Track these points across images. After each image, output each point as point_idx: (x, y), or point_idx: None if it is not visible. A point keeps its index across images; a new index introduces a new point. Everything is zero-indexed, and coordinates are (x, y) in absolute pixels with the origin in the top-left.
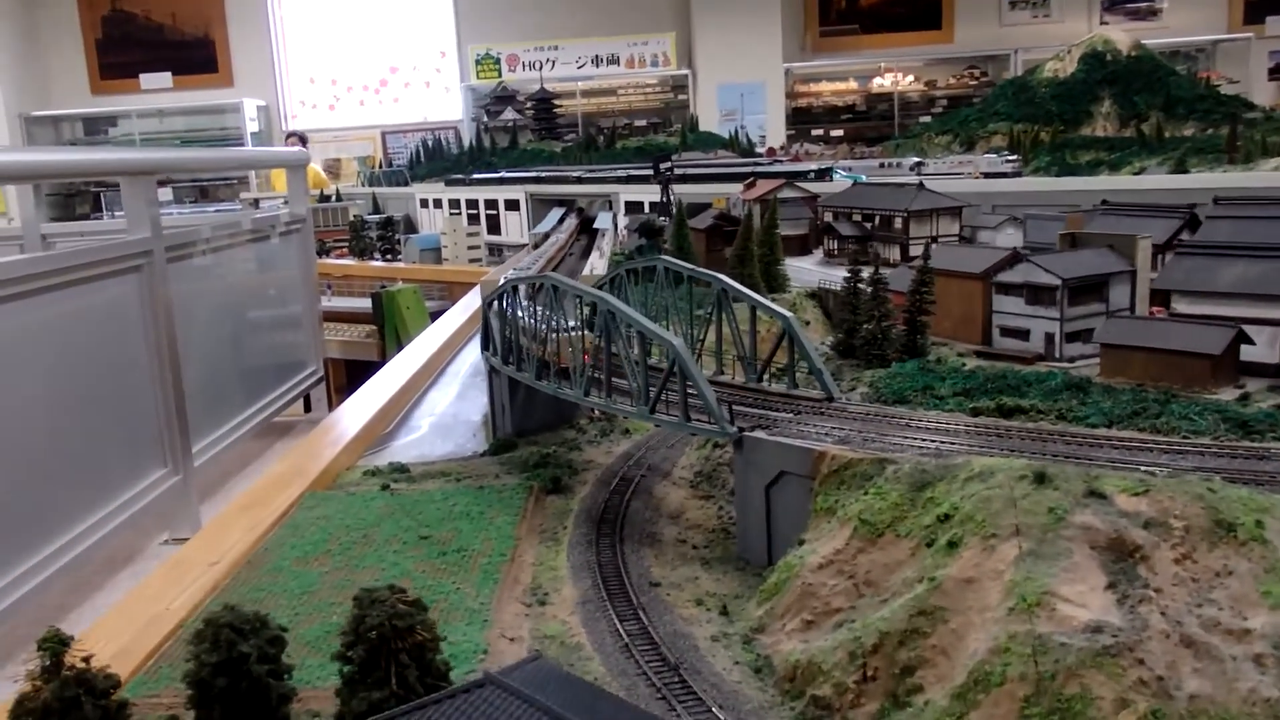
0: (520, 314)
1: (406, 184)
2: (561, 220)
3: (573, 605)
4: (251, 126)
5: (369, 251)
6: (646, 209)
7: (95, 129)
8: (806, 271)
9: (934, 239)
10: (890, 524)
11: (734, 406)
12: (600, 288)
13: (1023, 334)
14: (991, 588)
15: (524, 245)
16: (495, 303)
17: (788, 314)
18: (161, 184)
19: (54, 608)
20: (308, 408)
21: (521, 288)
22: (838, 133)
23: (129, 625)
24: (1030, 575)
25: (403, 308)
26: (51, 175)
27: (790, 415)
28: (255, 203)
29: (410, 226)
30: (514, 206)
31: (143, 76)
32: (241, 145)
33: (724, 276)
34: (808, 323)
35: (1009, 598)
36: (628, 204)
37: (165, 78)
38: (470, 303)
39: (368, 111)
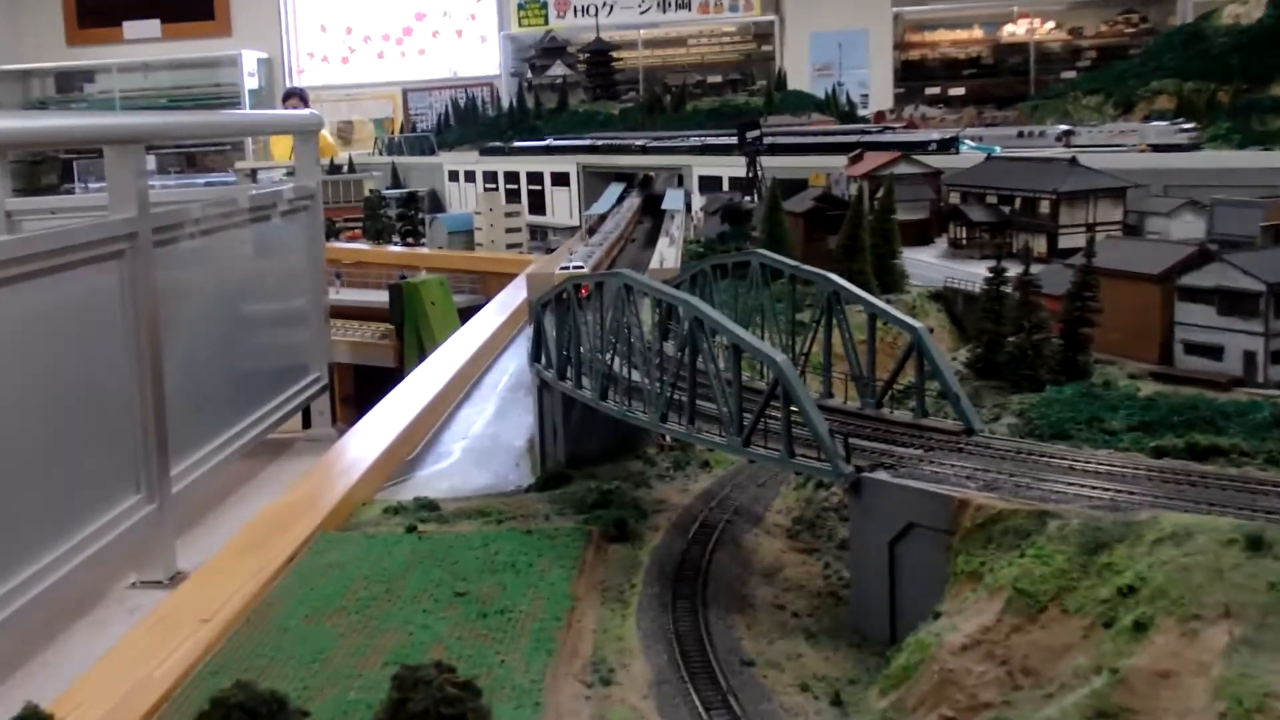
0: (583, 319)
1: (433, 152)
2: (621, 199)
3: (645, 687)
4: (250, 83)
5: (386, 234)
6: (725, 186)
7: (69, 85)
8: (926, 266)
9: (1091, 227)
10: (1055, 596)
11: (849, 439)
12: (678, 286)
13: (1214, 352)
14: (1194, 685)
15: (575, 229)
16: (550, 304)
17: (917, 324)
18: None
19: None
20: (307, 422)
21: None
22: (958, 91)
23: (101, 697)
24: (1246, 671)
25: (426, 303)
26: (26, 143)
27: (919, 451)
28: (252, 174)
29: (436, 204)
30: (563, 181)
31: (127, 25)
32: (237, 104)
33: (834, 275)
34: (931, 330)
35: (1218, 699)
36: (702, 180)
37: (153, 25)
38: (510, 299)
39: (387, 66)
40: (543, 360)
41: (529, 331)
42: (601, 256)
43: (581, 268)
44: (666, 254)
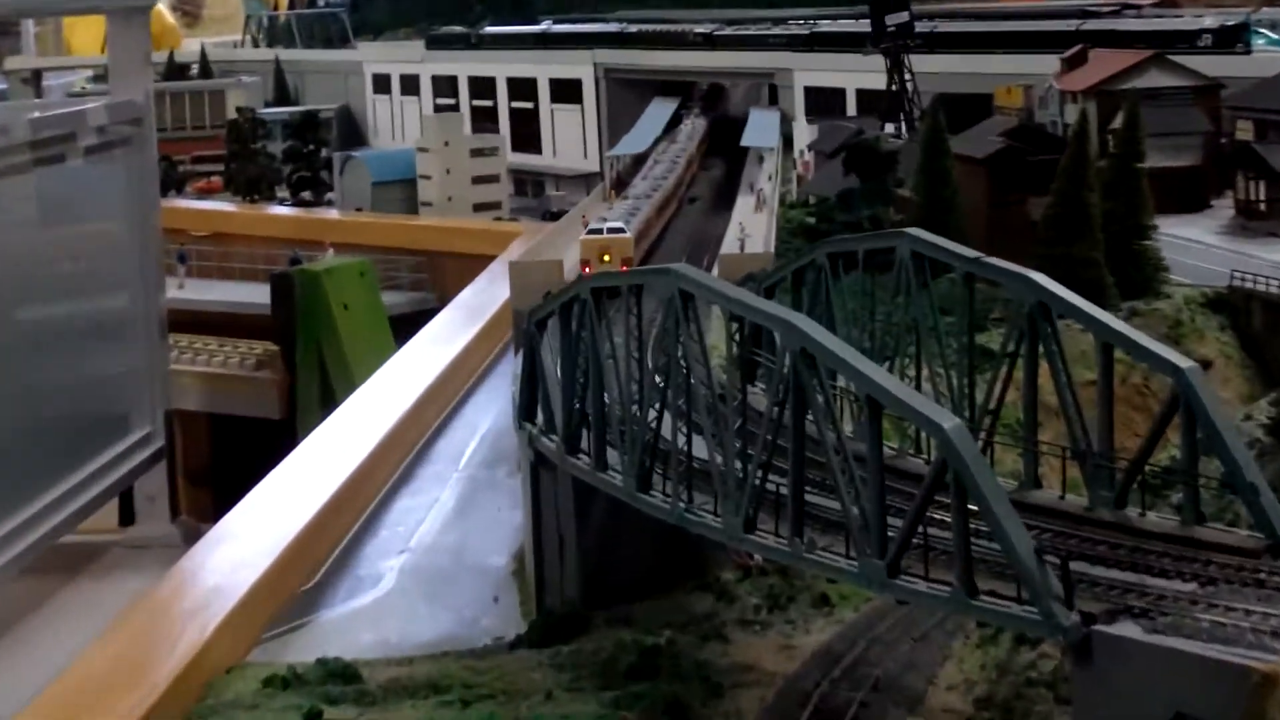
0: (608, 346)
1: (346, 43)
2: (671, 127)
3: None
4: None
5: (266, 185)
6: (852, 107)
7: None
8: (1200, 250)
9: None
10: None
11: (1069, 563)
12: (768, 289)
13: None
14: None
15: (592, 178)
16: (550, 325)
17: (1183, 359)
18: None
19: None
20: (128, 515)
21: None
22: None
23: None
24: None
25: (335, 306)
26: None
27: (1190, 586)
28: (33, 80)
29: (352, 134)
30: (570, 95)
31: None
32: None
33: (1037, 275)
34: (1207, 365)
35: None
36: (811, 95)
37: None
38: (480, 301)
39: None
40: (539, 419)
41: (514, 364)
42: (643, 227)
43: (622, 231)
44: (751, 226)
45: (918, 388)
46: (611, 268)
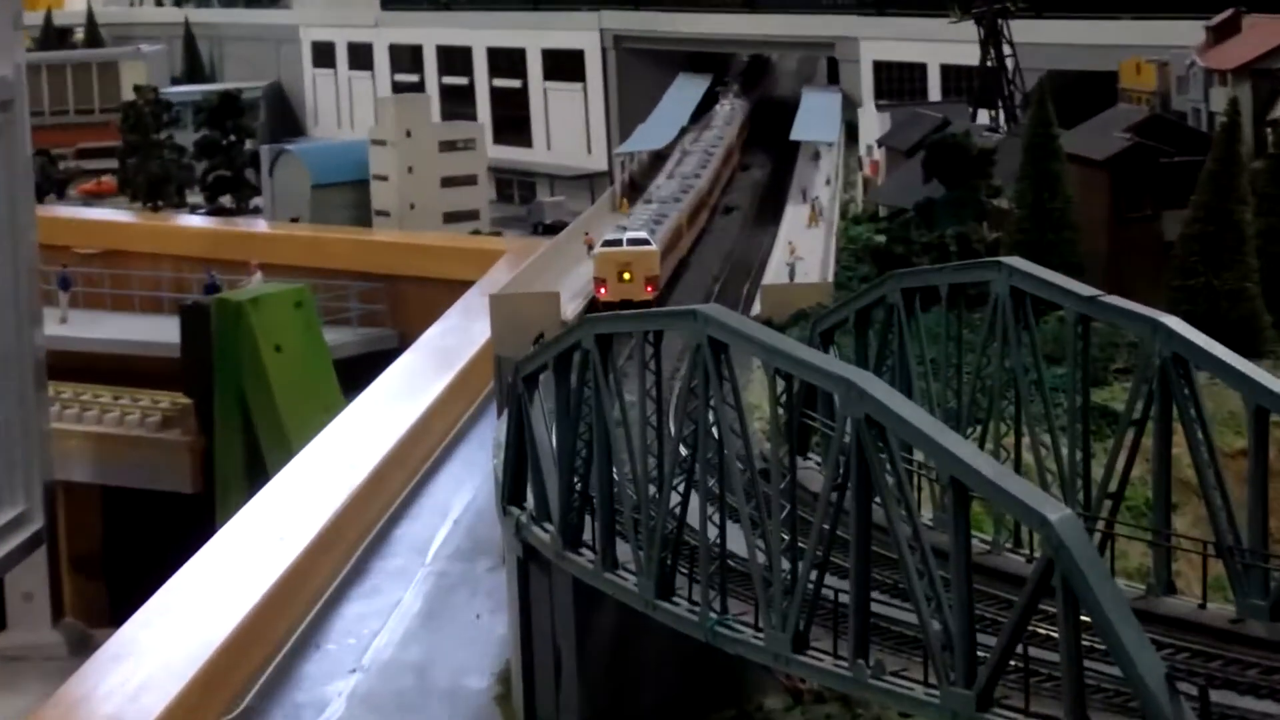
0: (617, 415)
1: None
2: (700, 114)
3: None
4: None
5: (174, 188)
6: (935, 89)
7: None
8: None
9: None
10: None
11: (1209, 695)
12: (825, 333)
13: None
14: None
15: (598, 179)
16: (544, 379)
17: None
18: None
19: None
20: None
21: (609, 342)
22: None
23: None
24: None
25: (264, 346)
26: None
27: None
28: None
29: (284, 119)
30: (569, 72)
31: None
32: None
33: (1171, 320)
34: None
35: None
36: (881, 72)
37: None
38: (452, 344)
39: None
40: (529, 502)
41: (496, 428)
42: (681, 226)
43: (646, 242)
44: (804, 246)
45: (1017, 463)
46: (634, 289)
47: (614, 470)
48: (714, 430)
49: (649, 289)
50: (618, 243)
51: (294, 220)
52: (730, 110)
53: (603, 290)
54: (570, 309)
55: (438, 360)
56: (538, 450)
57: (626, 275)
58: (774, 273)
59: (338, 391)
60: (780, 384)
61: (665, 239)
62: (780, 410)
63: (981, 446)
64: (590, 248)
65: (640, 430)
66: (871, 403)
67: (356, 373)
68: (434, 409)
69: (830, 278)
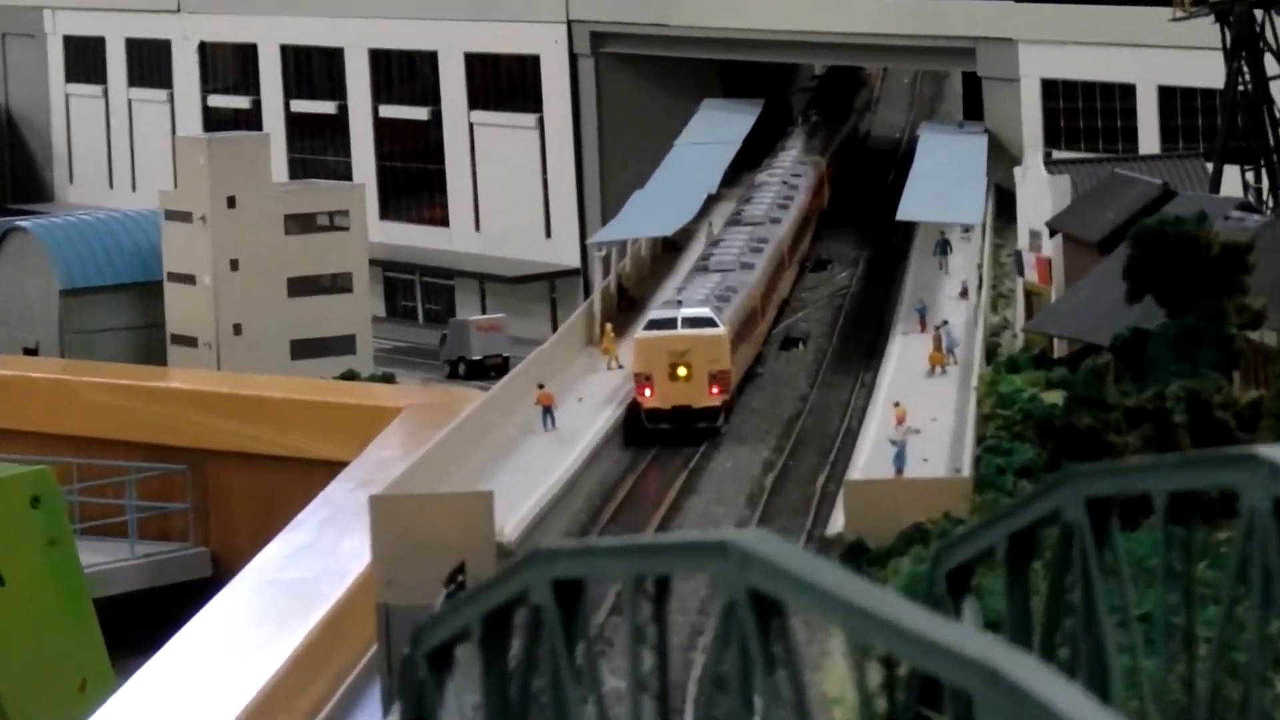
0: None
1: None
2: (744, 175)
3: None
4: None
5: None
6: (1150, 133)
7: None
8: None
9: None
10: None
11: None
12: (957, 571)
13: None
14: None
15: (565, 278)
16: (462, 657)
17: None
18: None
19: None
20: None
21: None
22: None
23: None
24: None
25: None
26: None
27: None
28: None
29: (16, 171)
30: (514, 94)
31: None
32: None
33: None
34: None
35: None
36: (1053, 98)
37: None
38: (312, 566)
39: None
40: None
41: None
42: (754, 304)
43: (712, 323)
44: (921, 411)
45: None
46: (694, 391)
47: None
48: None
49: (715, 390)
50: (670, 323)
51: (29, 351)
52: (794, 163)
53: (647, 392)
54: (511, 523)
55: (279, 607)
56: None
57: (683, 370)
58: (869, 457)
59: (103, 657)
60: (877, 669)
61: (736, 319)
62: (876, 707)
63: None
64: (547, 409)
65: None
66: (1034, 708)
67: (138, 623)
68: (268, 698)
69: (967, 469)
